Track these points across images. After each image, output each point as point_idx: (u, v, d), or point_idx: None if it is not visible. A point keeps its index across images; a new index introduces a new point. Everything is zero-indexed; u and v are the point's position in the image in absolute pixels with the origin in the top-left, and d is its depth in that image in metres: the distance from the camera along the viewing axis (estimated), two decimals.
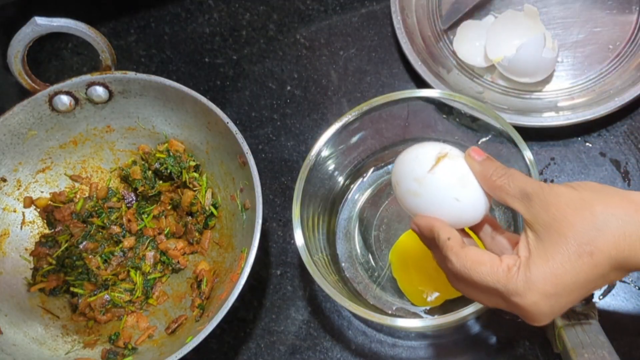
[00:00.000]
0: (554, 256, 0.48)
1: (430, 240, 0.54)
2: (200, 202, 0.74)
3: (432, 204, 0.53)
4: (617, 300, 0.68)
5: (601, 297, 0.68)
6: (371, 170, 0.74)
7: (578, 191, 0.49)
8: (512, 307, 0.49)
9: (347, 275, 0.70)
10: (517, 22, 0.77)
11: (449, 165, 0.53)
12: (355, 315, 0.70)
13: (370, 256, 0.71)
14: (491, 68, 0.78)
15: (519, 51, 0.73)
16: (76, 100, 0.73)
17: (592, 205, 0.48)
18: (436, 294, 0.67)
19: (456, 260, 0.50)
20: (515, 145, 0.63)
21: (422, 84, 0.77)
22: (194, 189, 0.75)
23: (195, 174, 0.75)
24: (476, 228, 0.56)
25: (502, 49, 0.76)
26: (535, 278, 0.47)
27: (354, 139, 0.71)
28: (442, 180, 0.53)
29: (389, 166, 0.74)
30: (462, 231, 0.55)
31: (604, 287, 0.68)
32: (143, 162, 0.76)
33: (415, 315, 0.67)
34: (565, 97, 0.76)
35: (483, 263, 0.49)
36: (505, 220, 0.69)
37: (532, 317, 0.49)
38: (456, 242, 0.51)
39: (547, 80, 0.77)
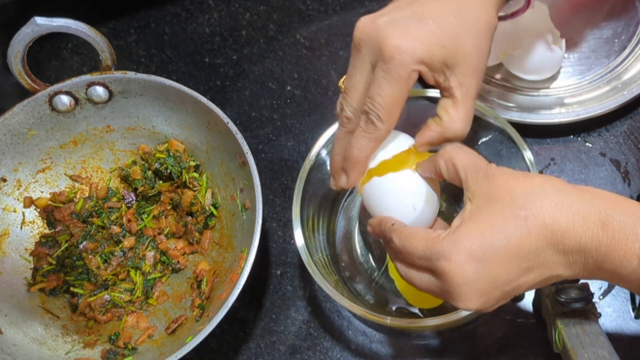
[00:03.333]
0: (486, 218, 0.47)
1: (381, 236, 0.55)
2: (200, 202, 0.74)
3: (390, 209, 0.56)
4: (617, 300, 0.68)
5: (601, 297, 0.68)
6: None
7: (522, 171, 0.50)
8: (440, 281, 0.48)
9: (347, 275, 0.70)
10: (526, 18, 0.77)
11: (409, 175, 0.55)
12: (355, 315, 0.70)
13: (370, 256, 0.71)
14: (497, 66, 0.78)
15: (525, 48, 0.73)
16: (76, 100, 0.73)
17: (533, 176, 0.48)
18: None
19: (396, 237, 0.51)
20: (515, 145, 0.63)
21: (426, 84, 0.77)
22: (194, 189, 0.75)
23: (195, 174, 0.75)
24: None
25: (509, 45, 0.76)
26: (461, 237, 0.47)
27: None
28: (401, 187, 0.55)
29: None
30: None
31: (604, 287, 0.68)
32: (143, 162, 0.76)
33: (414, 315, 0.67)
34: (573, 94, 0.76)
35: (417, 234, 0.50)
36: None
37: (457, 288, 0.47)
38: (399, 225, 0.53)
39: (554, 77, 0.77)
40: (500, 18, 0.59)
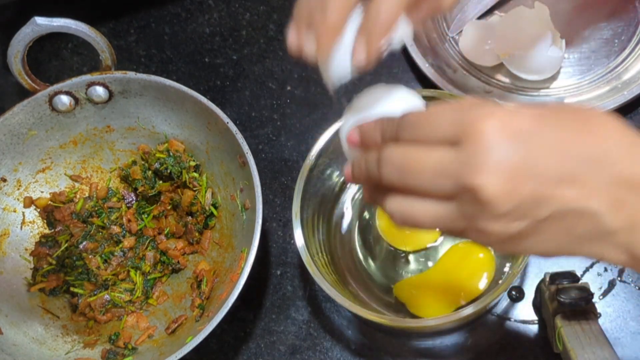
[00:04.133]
0: (542, 107, 0.40)
1: (376, 144, 0.44)
2: (200, 202, 0.74)
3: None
4: (617, 300, 0.68)
5: (601, 297, 0.68)
6: None
7: None
8: (462, 147, 0.38)
9: (347, 275, 0.70)
10: (527, 19, 0.77)
11: None
12: (355, 315, 0.70)
13: (370, 256, 0.71)
14: (498, 67, 0.78)
15: (525, 48, 0.73)
16: (76, 100, 0.73)
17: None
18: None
19: (410, 120, 0.41)
20: None
21: (429, 84, 0.77)
22: (194, 189, 0.75)
23: (195, 174, 0.75)
24: None
25: (510, 45, 0.76)
26: (511, 111, 0.39)
27: None
28: None
29: None
30: None
31: (604, 287, 0.68)
32: (143, 162, 0.76)
33: (415, 315, 0.67)
34: (573, 94, 0.76)
35: (444, 106, 0.41)
36: None
37: (483, 153, 0.37)
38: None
39: (554, 77, 0.77)
40: None
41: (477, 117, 0.38)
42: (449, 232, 0.43)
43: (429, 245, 0.70)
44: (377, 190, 0.44)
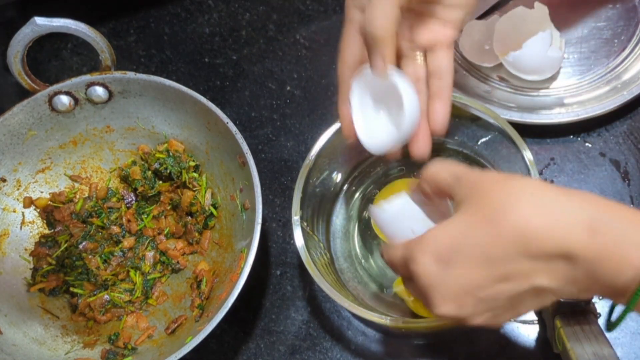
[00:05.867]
0: (459, 221, 0.45)
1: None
2: (200, 202, 0.74)
3: (393, 236, 0.56)
4: None
5: (601, 297, 0.68)
6: (371, 169, 0.74)
7: (507, 174, 0.47)
8: (415, 284, 0.47)
9: (347, 275, 0.70)
10: (526, 19, 0.77)
11: (402, 201, 0.55)
12: (355, 315, 0.70)
13: (370, 256, 0.71)
14: (497, 67, 0.78)
15: (525, 48, 0.73)
16: (76, 100, 0.73)
17: (517, 179, 0.45)
18: None
19: (385, 253, 0.53)
20: (515, 145, 0.63)
21: None
22: (194, 189, 0.75)
23: (195, 174, 0.75)
24: None
25: (509, 45, 0.76)
26: (430, 239, 0.46)
27: (354, 139, 0.71)
28: (397, 215, 0.55)
29: (389, 166, 0.74)
30: None
31: None
32: (143, 162, 0.76)
33: (415, 314, 0.67)
34: (573, 94, 0.76)
35: (398, 244, 0.51)
36: None
37: (426, 290, 0.46)
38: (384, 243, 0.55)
39: (553, 77, 0.77)
40: None
41: (410, 260, 0.47)
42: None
43: None
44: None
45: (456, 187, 0.48)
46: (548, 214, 0.42)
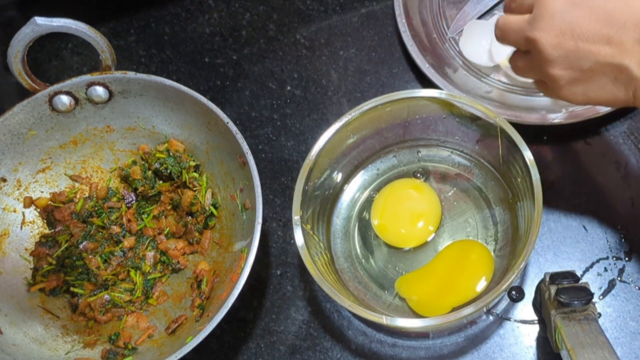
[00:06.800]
0: None
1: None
2: (200, 202, 0.74)
3: None
4: (617, 300, 0.68)
5: (601, 297, 0.68)
6: (371, 170, 0.74)
7: None
8: (534, 9, 0.53)
9: (347, 276, 0.70)
10: None
11: None
12: (355, 315, 0.70)
13: (370, 256, 0.71)
14: (497, 67, 0.78)
15: None
16: (76, 100, 0.73)
17: None
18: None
19: None
20: (515, 145, 0.63)
21: (428, 84, 0.77)
22: (194, 189, 0.75)
23: (195, 174, 0.75)
24: None
25: (507, 48, 0.76)
26: None
27: (354, 139, 0.71)
28: None
29: (389, 165, 0.74)
30: None
31: (604, 287, 0.68)
32: (143, 162, 0.76)
33: (415, 314, 0.67)
34: None
35: None
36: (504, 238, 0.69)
37: (541, 15, 0.52)
38: None
39: None
40: None
41: None
42: (535, 81, 0.61)
43: (427, 239, 0.70)
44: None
45: None
46: None
